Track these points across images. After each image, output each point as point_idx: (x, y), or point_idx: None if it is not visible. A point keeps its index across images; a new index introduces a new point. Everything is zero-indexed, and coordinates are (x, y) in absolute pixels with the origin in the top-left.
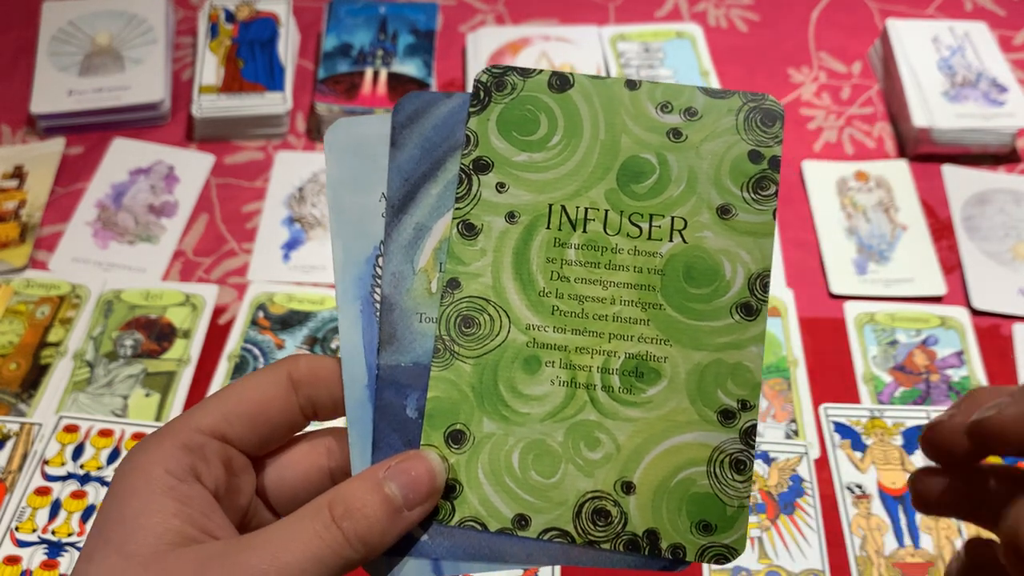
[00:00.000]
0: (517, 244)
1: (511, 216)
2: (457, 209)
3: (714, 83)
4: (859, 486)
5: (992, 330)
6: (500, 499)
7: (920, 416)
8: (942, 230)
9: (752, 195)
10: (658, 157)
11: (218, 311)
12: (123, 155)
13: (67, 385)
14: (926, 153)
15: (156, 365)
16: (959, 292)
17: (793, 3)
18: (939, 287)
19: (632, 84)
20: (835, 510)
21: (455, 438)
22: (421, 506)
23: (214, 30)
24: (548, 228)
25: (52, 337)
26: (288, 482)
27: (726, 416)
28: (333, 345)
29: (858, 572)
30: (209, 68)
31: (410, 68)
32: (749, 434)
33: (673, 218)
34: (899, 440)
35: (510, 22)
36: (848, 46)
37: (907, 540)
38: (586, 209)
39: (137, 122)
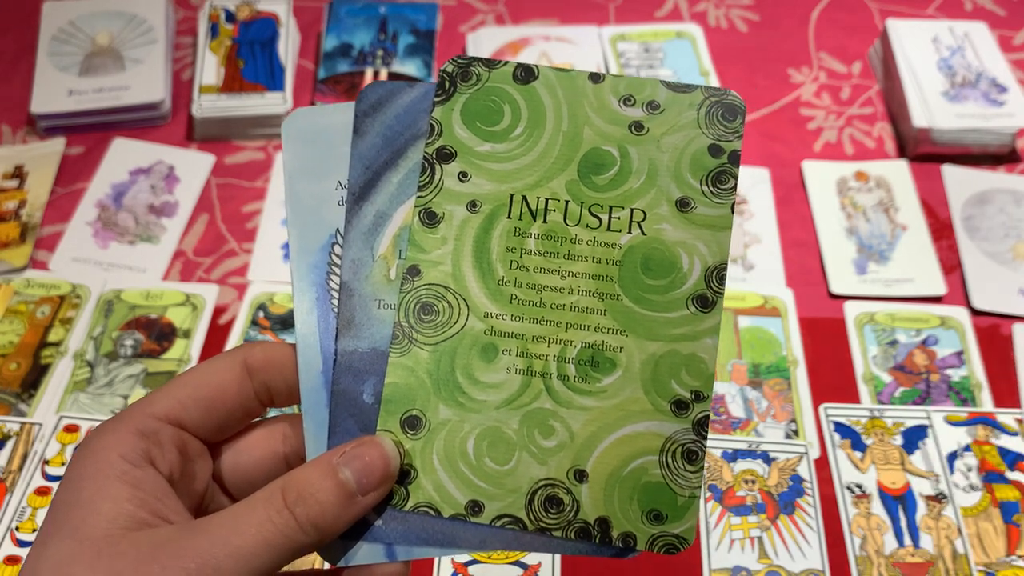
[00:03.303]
0: (478, 233)
1: (472, 205)
2: (419, 197)
3: (714, 83)
4: (859, 486)
5: (992, 330)
6: (454, 485)
7: (920, 416)
8: (942, 230)
9: (711, 188)
10: (619, 149)
11: (218, 311)
12: (123, 155)
13: (67, 385)
14: (926, 153)
15: (156, 365)
16: (959, 292)
17: (793, 3)
18: (939, 287)
19: (596, 77)
20: (835, 510)
21: (411, 424)
22: (375, 491)
23: (214, 30)
24: (509, 218)
25: (52, 337)
26: (244, 468)
27: (679, 407)
28: None
29: (858, 572)
30: (209, 68)
31: (410, 68)
32: (702, 425)
33: (633, 210)
34: (899, 440)
35: (510, 22)
36: (848, 46)
37: (907, 540)
38: (547, 200)
39: (137, 122)
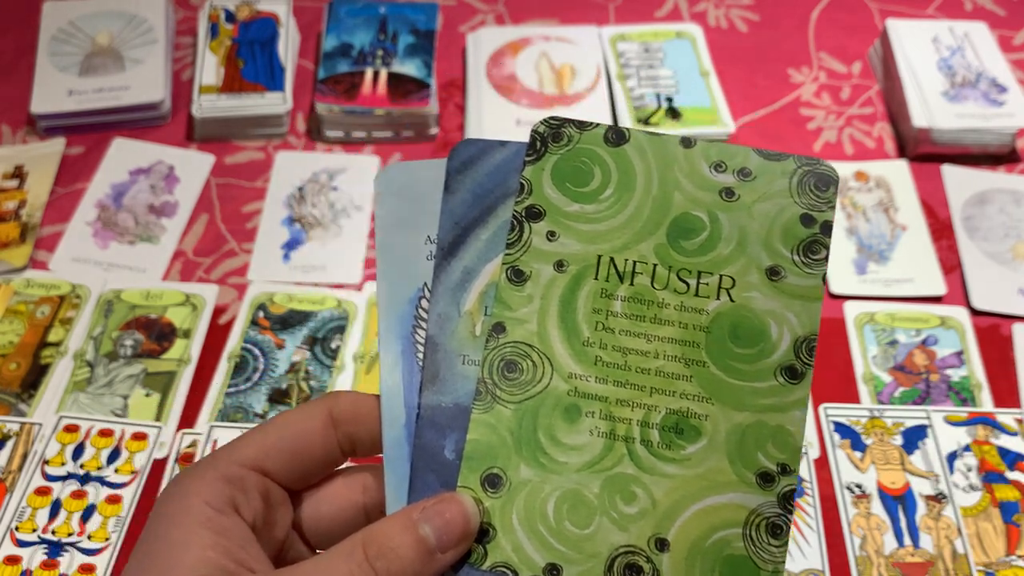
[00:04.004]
0: (564, 293)
1: (560, 265)
2: (507, 255)
3: (714, 83)
4: (859, 486)
5: (992, 330)
6: (533, 546)
7: (920, 416)
8: (942, 230)
9: (802, 258)
10: (709, 215)
11: (218, 311)
12: (123, 155)
13: (67, 385)
14: (926, 153)
15: (156, 365)
16: (959, 292)
17: (793, 3)
18: (939, 287)
19: (687, 142)
20: (835, 510)
21: (491, 482)
22: (454, 549)
23: (214, 30)
24: (596, 279)
25: (52, 337)
26: (324, 517)
27: (765, 479)
28: (333, 345)
29: (858, 572)
30: (209, 68)
31: (410, 68)
32: (787, 499)
33: (722, 276)
34: (899, 440)
35: (510, 22)
36: (848, 46)
37: (907, 540)
38: (634, 262)
39: (137, 122)
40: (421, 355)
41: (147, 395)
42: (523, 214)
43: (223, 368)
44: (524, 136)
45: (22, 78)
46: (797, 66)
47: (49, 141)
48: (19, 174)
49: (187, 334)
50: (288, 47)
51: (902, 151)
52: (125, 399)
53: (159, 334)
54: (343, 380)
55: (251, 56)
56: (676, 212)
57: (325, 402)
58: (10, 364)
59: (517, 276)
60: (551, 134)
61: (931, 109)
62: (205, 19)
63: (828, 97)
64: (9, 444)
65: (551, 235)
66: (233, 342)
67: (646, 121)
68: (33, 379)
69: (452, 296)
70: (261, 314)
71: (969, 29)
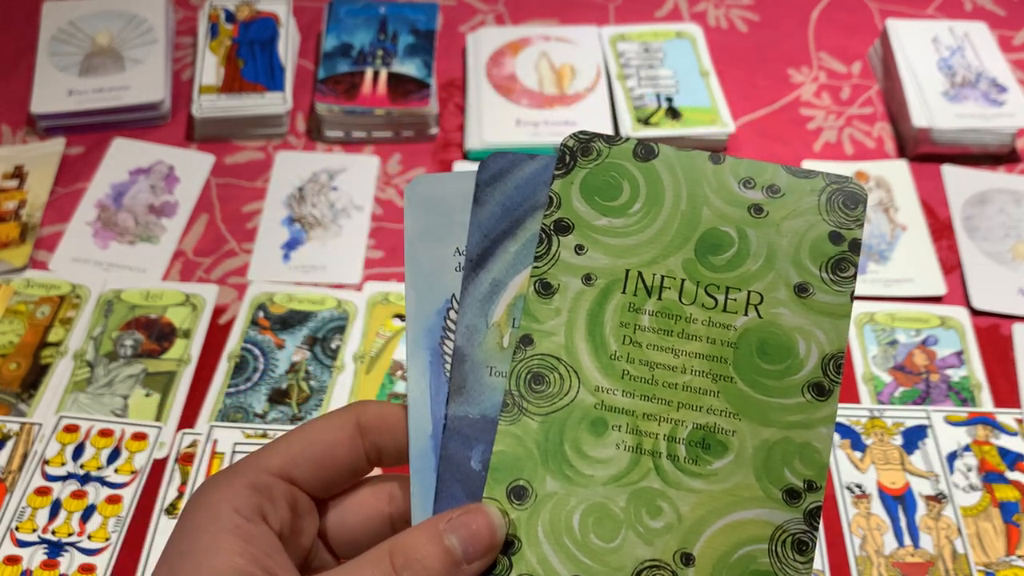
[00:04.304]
0: (592, 306)
1: (588, 278)
2: (535, 268)
3: (714, 83)
4: (859, 486)
5: (992, 330)
6: (558, 559)
7: (920, 416)
8: (942, 230)
9: (831, 276)
10: (738, 231)
11: (218, 311)
12: (123, 155)
13: (67, 385)
14: (926, 153)
15: (156, 365)
16: (959, 292)
17: (793, 3)
18: (939, 287)
19: (716, 158)
20: (835, 510)
21: (517, 494)
22: (480, 560)
23: (214, 30)
24: (624, 293)
25: (52, 337)
26: (349, 526)
27: (791, 495)
28: (333, 345)
29: (858, 572)
30: (209, 68)
31: (410, 68)
32: (813, 515)
33: (750, 292)
34: (899, 440)
35: (510, 22)
36: (848, 46)
37: (907, 540)
38: (662, 277)
39: (137, 122)
40: (448, 366)
41: (147, 395)
42: (552, 227)
43: (223, 368)
44: (524, 136)
45: (22, 78)
46: (797, 66)
47: (49, 141)
48: (19, 174)
49: (187, 334)
50: (288, 47)
51: (902, 151)
52: (125, 399)
53: (159, 334)
54: (343, 380)
55: (251, 56)
56: (704, 227)
57: (352, 411)
58: (10, 364)
59: (545, 289)
60: (580, 148)
61: (931, 109)
62: (205, 19)
63: (828, 97)
64: (9, 444)
65: (579, 248)
66: (233, 342)
67: (646, 121)
68: (33, 379)
69: (480, 308)
70: (261, 314)
71: (969, 29)
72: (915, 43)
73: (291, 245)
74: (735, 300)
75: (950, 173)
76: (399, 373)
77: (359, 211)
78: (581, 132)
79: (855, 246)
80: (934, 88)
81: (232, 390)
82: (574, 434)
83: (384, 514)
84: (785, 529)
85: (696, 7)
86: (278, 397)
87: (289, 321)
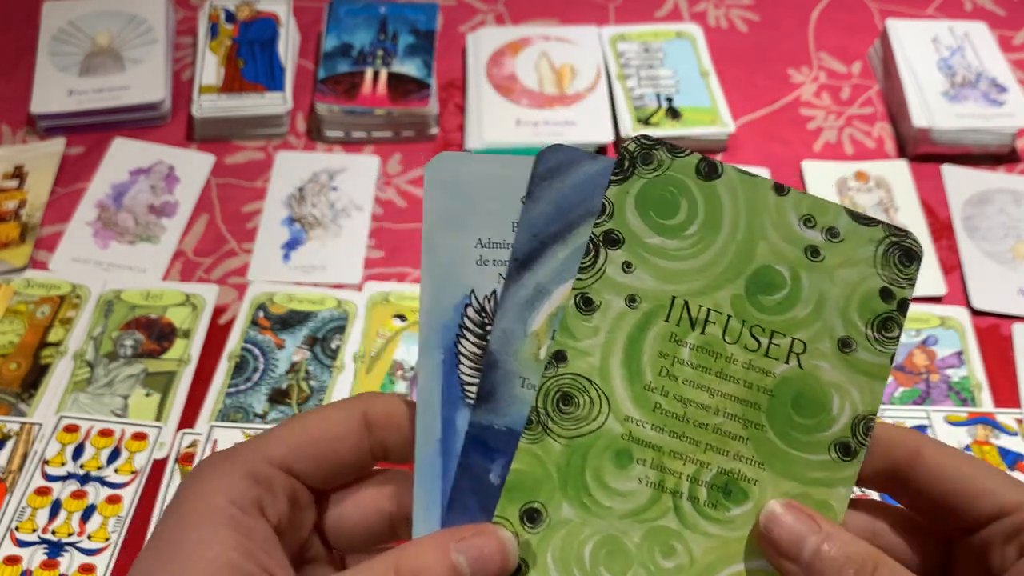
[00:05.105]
0: (632, 331)
1: (632, 300)
2: (579, 280)
3: (714, 83)
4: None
5: (992, 330)
6: None
7: (920, 416)
8: (942, 230)
9: (876, 334)
10: (791, 273)
11: (218, 311)
12: (123, 155)
13: (67, 385)
14: (926, 153)
15: (156, 365)
16: (959, 292)
17: (793, 3)
18: (939, 287)
19: (780, 189)
20: None
21: (530, 517)
22: None
23: (214, 30)
24: (667, 321)
25: (52, 337)
26: (348, 521)
27: None
28: (333, 345)
29: None
30: (209, 68)
31: (410, 68)
32: None
33: (794, 340)
34: None
35: (510, 22)
36: (848, 46)
37: None
38: (709, 310)
39: (137, 122)
40: (463, 368)
41: (147, 395)
42: (601, 238)
43: (223, 368)
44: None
45: (22, 78)
46: (797, 66)
47: (49, 141)
48: (19, 174)
49: (187, 334)
50: (288, 47)
51: (902, 151)
52: (125, 399)
53: (159, 334)
54: (343, 380)
55: (251, 56)
56: (758, 263)
57: (359, 404)
58: (10, 364)
59: (586, 305)
60: (641, 154)
61: (931, 109)
62: (205, 19)
63: (828, 97)
64: (9, 444)
65: (627, 266)
66: (233, 342)
67: (646, 121)
68: (33, 379)
69: (520, 313)
70: (261, 314)
71: (969, 29)
72: (915, 43)
73: (291, 245)
74: (778, 346)
75: (950, 173)
76: (399, 373)
77: (359, 211)
78: (644, 137)
79: (903, 306)
80: (934, 88)
81: (232, 390)
82: (597, 463)
83: (385, 512)
84: None
85: (696, 7)
86: (278, 397)
87: (289, 321)
